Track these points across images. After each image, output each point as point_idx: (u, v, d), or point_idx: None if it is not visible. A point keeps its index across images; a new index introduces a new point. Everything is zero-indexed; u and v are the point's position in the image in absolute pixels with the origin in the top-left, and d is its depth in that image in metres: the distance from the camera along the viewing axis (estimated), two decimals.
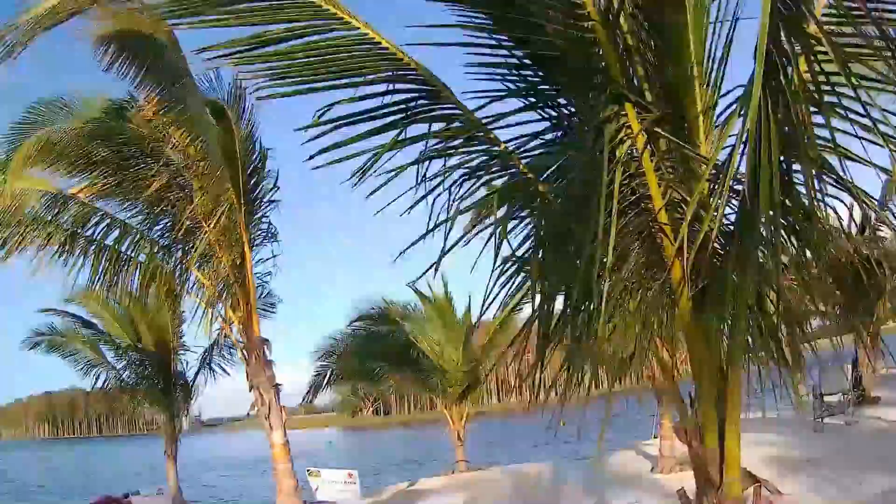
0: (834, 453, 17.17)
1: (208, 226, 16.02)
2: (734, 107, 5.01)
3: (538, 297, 5.30)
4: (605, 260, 4.53)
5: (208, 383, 28.39)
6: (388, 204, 5.13)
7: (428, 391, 31.43)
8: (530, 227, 5.59)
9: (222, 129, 16.63)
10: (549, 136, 5.48)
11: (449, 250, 5.02)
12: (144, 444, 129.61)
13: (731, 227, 5.01)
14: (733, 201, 4.86)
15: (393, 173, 5.13)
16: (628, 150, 4.84)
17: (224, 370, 27.84)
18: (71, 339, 29.29)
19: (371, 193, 5.07)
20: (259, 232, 18.23)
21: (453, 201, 5.30)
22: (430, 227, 5.07)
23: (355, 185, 5.12)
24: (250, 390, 17.27)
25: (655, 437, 25.57)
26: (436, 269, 5.01)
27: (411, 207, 5.20)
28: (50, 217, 16.84)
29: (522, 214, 5.56)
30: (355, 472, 19.10)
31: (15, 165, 15.35)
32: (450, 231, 5.09)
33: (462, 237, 5.19)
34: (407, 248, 5.13)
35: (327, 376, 29.84)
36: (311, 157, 4.82)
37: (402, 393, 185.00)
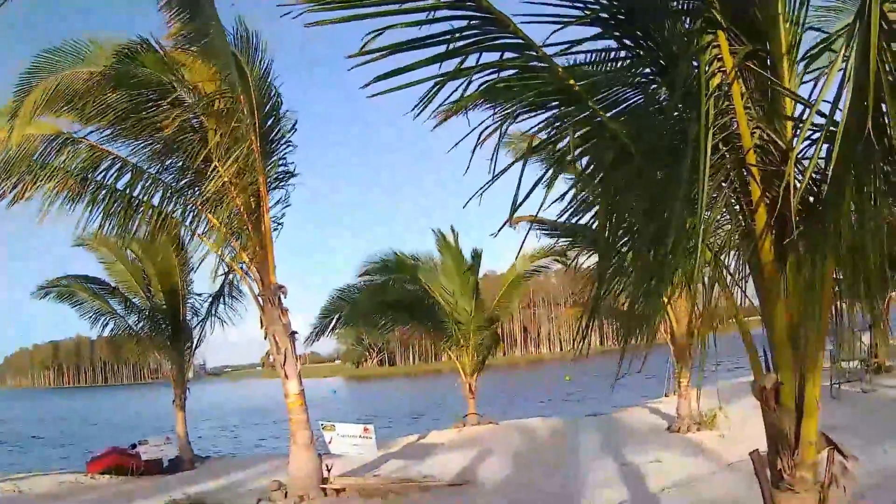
0: (854, 421, 16.87)
1: (223, 166, 15.69)
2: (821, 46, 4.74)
3: (601, 245, 5.03)
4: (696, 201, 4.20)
5: (222, 329, 28.38)
6: (457, 144, 4.81)
7: (441, 342, 31.17)
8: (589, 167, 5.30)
9: (238, 73, 16.28)
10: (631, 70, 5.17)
11: (526, 196, 4.71)
12: (150, 393, 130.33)
13: (821, 173, 4.69)
14: (825, 145, 4.51)
15: (451, 106, 4.80)
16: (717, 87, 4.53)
17: (230, 319, 27.87)
18: (78, 289, 29.16)
19: (436, 125, 4.75)
20: (275, 174, 17.87)
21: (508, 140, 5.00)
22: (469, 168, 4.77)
23: (416, 115, 4.79)
24: (265, 338, 16.99)
25: (667, 396, 25.42)
26: (511, 218, 4.70)
27: (457, 143, 4.86)
28: (60, 162, 16.58)
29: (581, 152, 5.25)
30: (371, 426, 18.80)
31: (24, 112, 15.08)
32: (495, 175, 4.78)
33: (542, 178, 4.86)
34: (476, 194, 4.83)
35: (333, 321, 29.58)
36: (367, 85, 4.46)
37: (406, 344, 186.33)
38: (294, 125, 18.15)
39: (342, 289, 30.10)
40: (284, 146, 17.99)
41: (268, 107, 17.42)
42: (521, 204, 4.65)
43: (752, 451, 5.39)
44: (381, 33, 4.41)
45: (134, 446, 26.49)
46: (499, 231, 5.09)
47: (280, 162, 17.97)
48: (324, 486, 16.12)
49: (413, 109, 4.74)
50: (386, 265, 30.01)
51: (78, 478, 24.18)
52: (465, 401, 29.49)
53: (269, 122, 17.49)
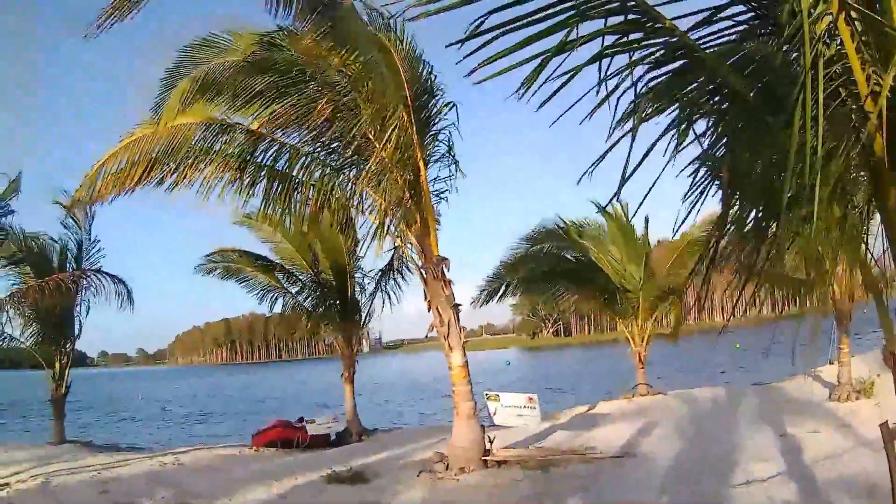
0: None
1: (379, 143, 15.78)
2: None
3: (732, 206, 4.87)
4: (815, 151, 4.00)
5: (389, 305, 28.85)
6: (564, 113, 4.72)
7: (609, 311, 30.90)
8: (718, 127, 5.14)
9: (380, 49, 16.29)
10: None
11: (643, 158, 4.59)
12: (324, 368, 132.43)
13: None
14: None
15: (566, 77, 4.68)
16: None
17: (397, 293, 28.12)
18: (243, 265, 29.90)
19: (544, 102, 4.66)
20: (434, 149, 17.89)
21: (633, 103, 4.87)
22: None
23: (522, 95, 4.69)
24: (429, 310, 17.13)
25: (831, 363, 24.73)
26: (621, 184, 4.59)
27: (592, 112, 4.76)
28: (218, 147, 16.99)
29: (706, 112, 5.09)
30: (535, 396, 18.70)
31: (171, 104, 15.51)
32: (634, 139, 4.66)
33: (676, 146, 4.74)
34: (595, 163, 4.74)
35: (501, 288, 29.53)
36: (471, 72, 4.41)
37: (582, 314, 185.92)
38: (452, 105, 18.09)
39: (508, 258, 29.96)
40: (439, 121, 17.99)
41: (418, 86, 17.40)
42: (636, 167, 4.56)
43: (881, 424, 5.15)
44: (487, 17, 4.36)
45: (301, 419, 27.01)
46: (613, 198, 4.96)
47: (437, 136, 17.98)
48: (485, 457, 16.15)
49: (519, 90, 4.67)
50: (550, 233, 29.72)
51: (242, 451, 24.83)
52: (636, 370, 29.21)
53: (423, 98, 17.48)
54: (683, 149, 4.83)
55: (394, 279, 27.97)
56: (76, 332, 27.89)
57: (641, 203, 4.97)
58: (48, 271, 24.91)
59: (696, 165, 5.12)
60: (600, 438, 18.85)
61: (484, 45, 4.41)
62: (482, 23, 4.35)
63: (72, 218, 26.51)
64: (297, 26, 15.09)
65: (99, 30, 12.01)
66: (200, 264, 30.34)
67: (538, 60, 4.54)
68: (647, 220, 29.41)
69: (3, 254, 25.70)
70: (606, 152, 4.73)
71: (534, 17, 4.43)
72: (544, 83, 4.60)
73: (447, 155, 17.96)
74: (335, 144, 17.35)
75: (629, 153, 4.59)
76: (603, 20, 4.62)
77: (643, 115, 4.88)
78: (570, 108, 4.69)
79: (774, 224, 4.93)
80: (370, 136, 16.10)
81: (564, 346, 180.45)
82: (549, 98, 4.63)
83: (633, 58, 4.81)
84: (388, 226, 17.25)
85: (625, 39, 4.78)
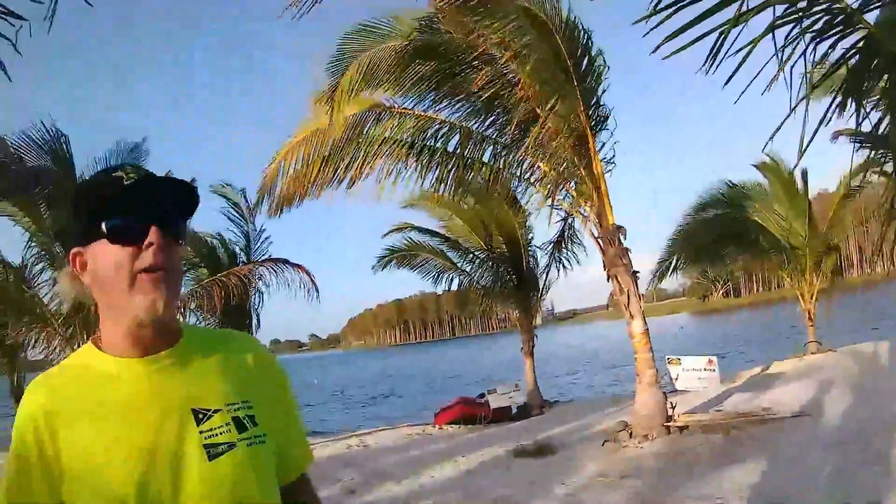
0: None
1: (544, 115, 15.73)
2: None
3: None
4: None
5: (563, 276, 28.87)
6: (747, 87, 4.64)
7: (777, 269, 30.47)
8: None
9: (534, 21, 16.18)
10: None
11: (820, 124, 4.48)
12: (499, 342, 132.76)
13: None
14: None
15: (746, 50, 4.60)
16: None
17: (573, 263, 28.11)
18: (418, 250, 30.29)
19: (729, 79, 4.58)
20: (598, 117, 17.69)
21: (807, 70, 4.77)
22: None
23: (708, 70, 4.69)
24: (608, 280, 17.02)
25: None
26: (801, 153, 4.48)
27: (770, 84, 4.68)
28: (387, 134, 17.26)
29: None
30: (714, 358, 18.52)
31: (340, 94, 15.69)
32: (808, 105, 4.55)
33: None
34: (775, 132, 4.63)
35: (674, 260, 29.43)
36: (657, 48, 4.37)
37: (750, 273, 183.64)
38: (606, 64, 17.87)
39: (680, 224, 29.82)
40: (600, 89, 17.78)
41: (578, 52, 17.22)
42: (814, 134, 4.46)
43: None
44: None
45: (482, 395, 27.26)
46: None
47: (599, 105, 17.75)
48: (667, 423, 16.03)
49: (704, 64, 4.63)
50: (718, 197, 29.47)
51: (425, 429, 25.22)
52: (805, 328, 28.54)
53: (583, 67, 17.30)
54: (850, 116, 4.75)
55: (566, 250, 27.86)
56: (254, 323, 28.60)
57: (800, 158, 4.85)
58: (219, 267, 25.45)
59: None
60: (776, 399, 18.57)
61: (663, 22, 4.51)
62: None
63: (234, 210, 27.08)
64: (454, 5, 15.15)
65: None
66: (380, 259, 31.06)
67: (716, 34, 4.54)
68: (805, 175, 28.77)
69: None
70: (784, 120, 4.65)
71: None
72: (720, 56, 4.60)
73: (611, 123, 17.80)
74: (502, 121, 17.39)
75: (805, 118, 4.50)
76: None
77: (814, 84, 4.78)
78: (753, 78, 4.63)
79: None
80: (536, 110, 16.04)
81: (734, 308, 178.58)
82: (736, 70, 4.64)
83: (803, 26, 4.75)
84: (561, 196, 17.24)
85: (793, 9, 4.72)
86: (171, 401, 2.11)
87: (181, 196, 2.16)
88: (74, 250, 2.17)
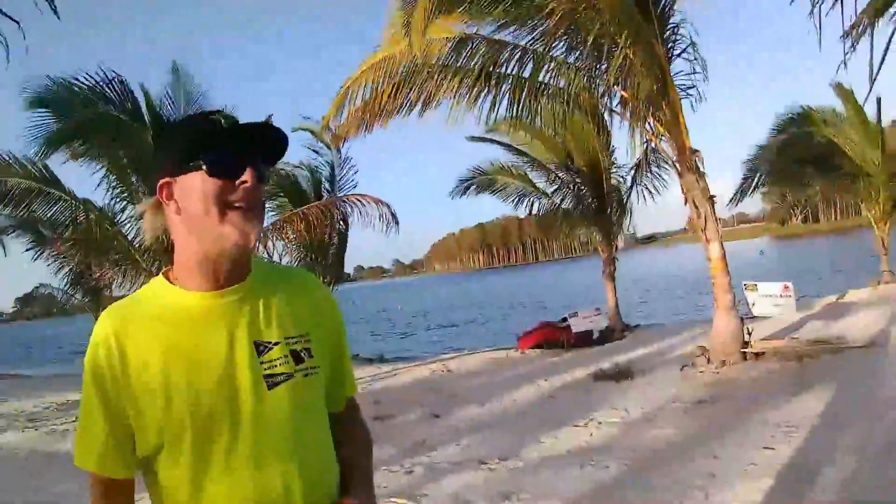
0: None
1: (622, 41, 15.75)
2: None
3: None
4: None
5: (641, 200, 28.76)
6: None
7: (853, 195, 30.24)
8: None
9: None
10: None
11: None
12: (581, 266, 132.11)
13: None
14: None
15: None
16: None
17: (654, 187, 28.05)
18: (499, 174, 30.51)
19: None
20: (675, 42, 17.59)
21: None
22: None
23: None
24: (685, 204, 17.11)
25: None
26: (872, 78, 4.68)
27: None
28: (460, 62, 17.36)
29: None
30: (790, 284, 18.51)
31: (416, 22, 15.81)
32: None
33: None
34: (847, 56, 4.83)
35: (754, 181, 29.36)
36: None
37: (827, 199, 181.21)
38: None
39: (759, 146, 29.80)
40: (676, 14, 17.66)
41: None
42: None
43: None
44: None
45: (564, 320, 27.42)
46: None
47: (676, 30, 17.62)
48: (744, 349, 16.18)
49: None
50: (794, 120, 29.23)
51: (509, 354, 25.59)
52: (879, 256, 28.37)
53: None
54: None
55: (647, 173, 27.84)
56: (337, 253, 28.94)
57: (872, 84, 5.02)
58: (304, 200, 25.65)
59: None
60: (850, 328, 18.58)
61: None
62: None
63: (322, 142, 27.28)
64: None
65: None
66: (460, 182, 31.42)
67: None
68: (879, 102, 28.40)
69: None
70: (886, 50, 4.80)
71: None
72: None
73: (689, 49, 17.74)
74: (579, 46, 17.36)
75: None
76: None
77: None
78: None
79: None
80: (612, 35, 16.07)
81: (813, 234, 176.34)
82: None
83: None
84: (639, 121, 17.31)
85: None
86: (235, 332, 2.31)
87: (272, 142, 2.36)
88: (164, 180, 2.34)
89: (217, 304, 2.33)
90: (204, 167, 2.24)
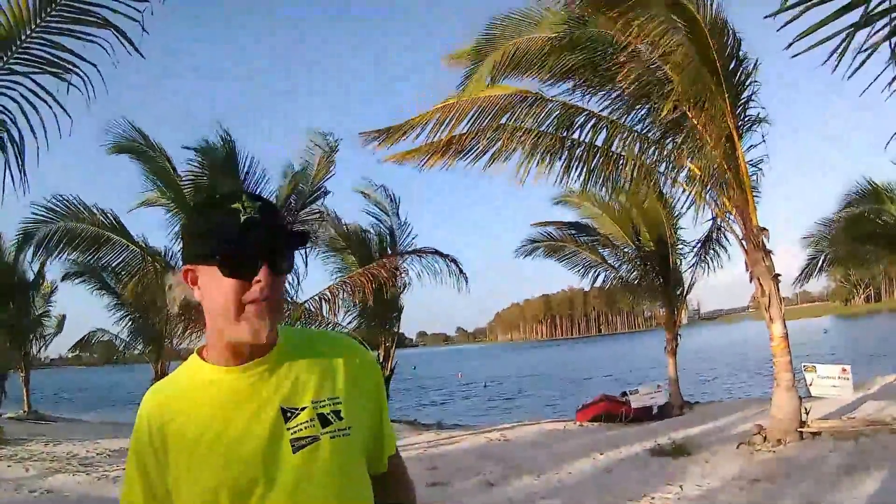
0: None
1: (692, 113, 15.90)
2: None
3: None
4: None
5: (706, 276, 28.68)
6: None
7: None
8: None
9: (683, 19, 16.29)
10: None
11: None
12: (644, 340, 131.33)
13: None
14: None
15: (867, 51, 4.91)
16: None
17: (715, 263, 28.02)
18: (567, 242, 30.60)
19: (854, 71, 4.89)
20: (746, 117, 17.66)
21: None
22: None
23: (835, 67, 4.97)
24: (750, 281, 16.98)
25: None
26: None
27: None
28: (531, 122, 17.54)
29: None
30: (849, 367, 18.45)
31: (480, 75, 16.09)
32: None
33: None
34: None
35: (819, 262, 29.21)
36: (790, 45, 4.71)
37: (892, 279, 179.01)
38: (755, 65, 17.73)
39: (823, 228, 29.43)
40: (748, 89, 17.68)
41: (726, 50, 17.18)
42: None
43: None
44: None
45: (624, 394, 27.37)
46: None
47: (747, 105, 17.66)
48: (801, 429, 16.09)
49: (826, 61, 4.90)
50: (862, 195, 29.07)
51: (566, 426, 25.35)
52: None
53: (731, 66, 17.22)
54: None
55: (713, 250, 27.77)
56: (398, 314, 29.07)
57: None
58: (369, 257, 25.93)
59: None
60: None
61: (794, 19, 4.66)
62: None
63: (376, 206, 27.63)
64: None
65: None
66: (522, 246, 31.54)
67: (844, 34, 4.78)
68: None
69: (323, 238, 26.77)
70: None
71: None
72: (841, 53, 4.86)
73: (758, 124, 17.77)
74: (650, 118, 17.53)
75: None
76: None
77: None
78: (877, 77, 4.90)
79: None
80: (684, 108, 16.22)
81: (875, 312, 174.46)
82: (859, 68, 4.86)
83: None
84: (706, 196, 17.39)
85: None
86: (263, 402, 2.34)
87: (292, 235, 2.39)
88: (186, 267, 2.38)
89: (245, 377, 2.38)
90: (218, 265, 2.27)
